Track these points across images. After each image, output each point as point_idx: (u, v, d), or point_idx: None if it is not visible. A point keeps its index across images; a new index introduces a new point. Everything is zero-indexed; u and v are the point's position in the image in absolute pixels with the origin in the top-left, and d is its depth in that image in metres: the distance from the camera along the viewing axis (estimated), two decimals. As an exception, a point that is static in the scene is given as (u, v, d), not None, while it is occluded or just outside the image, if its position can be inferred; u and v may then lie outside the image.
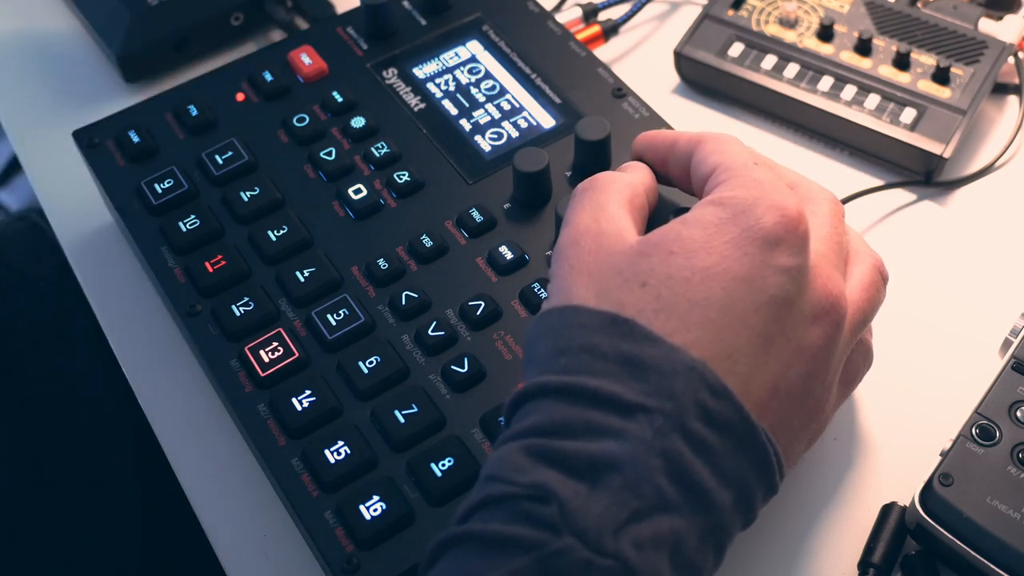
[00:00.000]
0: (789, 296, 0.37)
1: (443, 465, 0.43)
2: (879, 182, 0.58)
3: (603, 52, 0.65)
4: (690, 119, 0.62)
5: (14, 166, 1.31)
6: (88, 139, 0.54)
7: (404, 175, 0.52)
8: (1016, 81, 0.62)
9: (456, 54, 0.57)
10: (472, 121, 0.54)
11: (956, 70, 0.59)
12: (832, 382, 0.40)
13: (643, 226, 0.43)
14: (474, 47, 0.58)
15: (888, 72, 0.60)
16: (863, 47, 0.60)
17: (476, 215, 0.50)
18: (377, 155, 0.53)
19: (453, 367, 0.45)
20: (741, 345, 0.36)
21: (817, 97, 0.60)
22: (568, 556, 0.32)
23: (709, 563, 0.36)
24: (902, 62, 0.60)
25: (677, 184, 0.46)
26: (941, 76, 0.59)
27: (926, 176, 0.58)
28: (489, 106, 0.55)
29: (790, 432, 0.39)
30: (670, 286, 0.37)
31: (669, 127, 0.53)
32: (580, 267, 0.39)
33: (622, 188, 0.42)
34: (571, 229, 0.40)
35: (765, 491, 0.37)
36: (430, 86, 0.56)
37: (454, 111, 0.55)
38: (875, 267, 0.43)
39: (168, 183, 0.52)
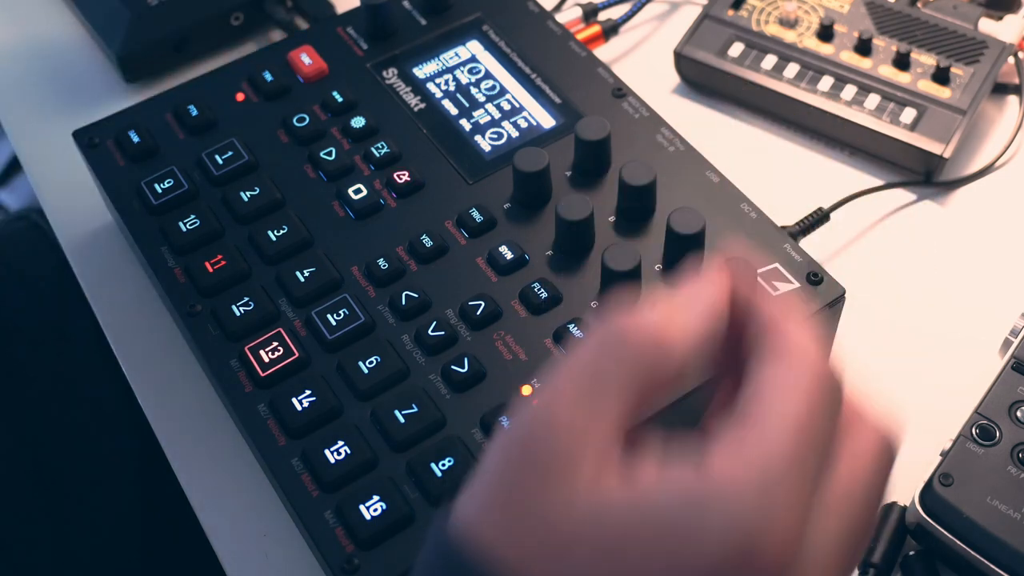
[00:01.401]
0: None
1: (443, 465, 0.43)
2: (879, 182, 0.58)
3: (603, 52, 0.65)
4: (690, 119, 0.62)
5: (14, 166, 1.31)
6: (88, 139, 0.54)
7: (404, 175, 0.52)
8: (1016, 81, 0.62)
9: (456, 54, 0.57)
10: (472, 121, 0.54)
11: (956, 70, 0.59)
12: None
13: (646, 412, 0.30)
14: (474, 47, 0.58)
15: (888, 72, 0.60)
16: (863, 47, 0.60)
17: (476, 215, 0.50)
18: (377, 155, 0.53)
19: (453, 367, 0.45)
20: None
21: (817, 97, 0.60)
22: None
23: None
24: (902, 62, 0.60)
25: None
26: (941, 76, 0.59)
27: (926, 176, 0.58)
28: (489, 106, 0.55)
29: None
30: (557, 555, 0.27)
31: (669, 127, 0.53)
32: (500, 489, 0.28)
33: (635, 370, 0.29)
34: (530, 418, 0.29)
35: None
36: (430, 86, 0.56)
37: (454, 111, 0.55)
38: None
39: (168, 183, 0.52)
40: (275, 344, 0.47)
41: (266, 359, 0.46)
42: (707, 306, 0.30)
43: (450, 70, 0.57)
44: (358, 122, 0.54)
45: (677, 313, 0.30)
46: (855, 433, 0.31)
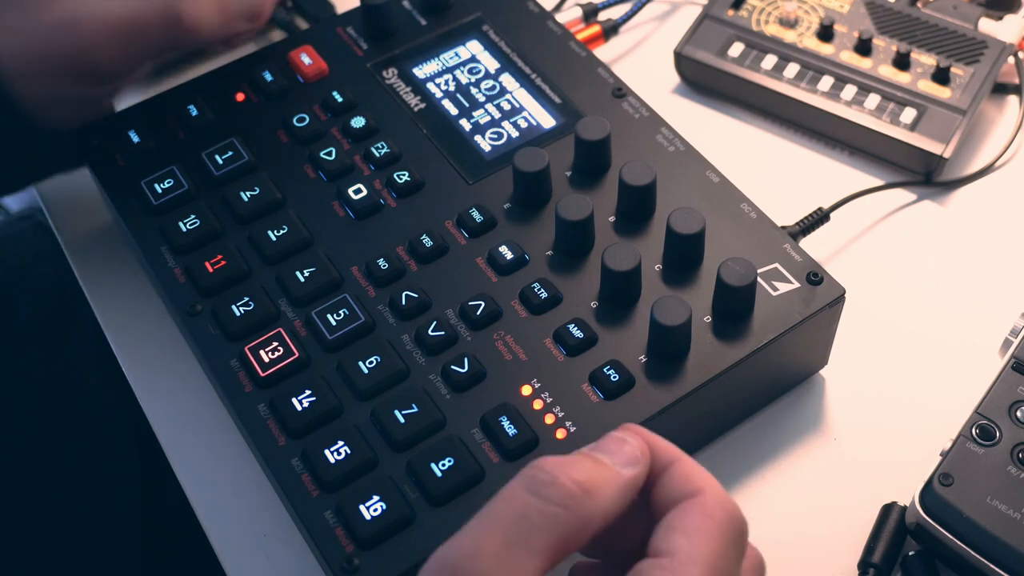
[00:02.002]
0: None
1: (443, 465, 0.43)
2: (879, 182, 0.58)
3: (603, 52, 0.65)
4: (690, 119, 0.62)
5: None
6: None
7: (404, 175, 0.52)
8: (1016, 81, 0.62)
9: (456, 54, 0.57)
10: (472, 121, 0.54)
11: (956, 70, 0.59)
12: None
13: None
14: (474, 47, 0.58)
15: (888, 72, 0.60)
16: (863, 47, 0.60)
17: (476, 215, 0.50)
18: (377, 155, 0.53)
19: (453, 367, 0.45)
20: None
21: (817, 97, 0.60)
22: None
23: None
24: (902, 62, 0.60)
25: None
26: (941, 76, 0.59)
27: (926, 176, 0.58)
28: (489, 106, 0.55)
29: None
30: None
31: (669, 127, 0.53)
32: None
33: (567, 525, 0.31)
34: (456, 556, 0.30)
35: None
36: (430, 86, 0.56)
37: (454, 111, 0.55)
38: None
39: (168, 183, 0.52)
40: (275, 344, 0.47)
41: (266, 359, 0.46)
42: (630, 458, 0.33)
43: (450, 70, 0.57)
44: (358, 122, 0.54)
45: (604, 475, 0.32)
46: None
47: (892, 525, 0.45)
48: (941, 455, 0.44)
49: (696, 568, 0.30)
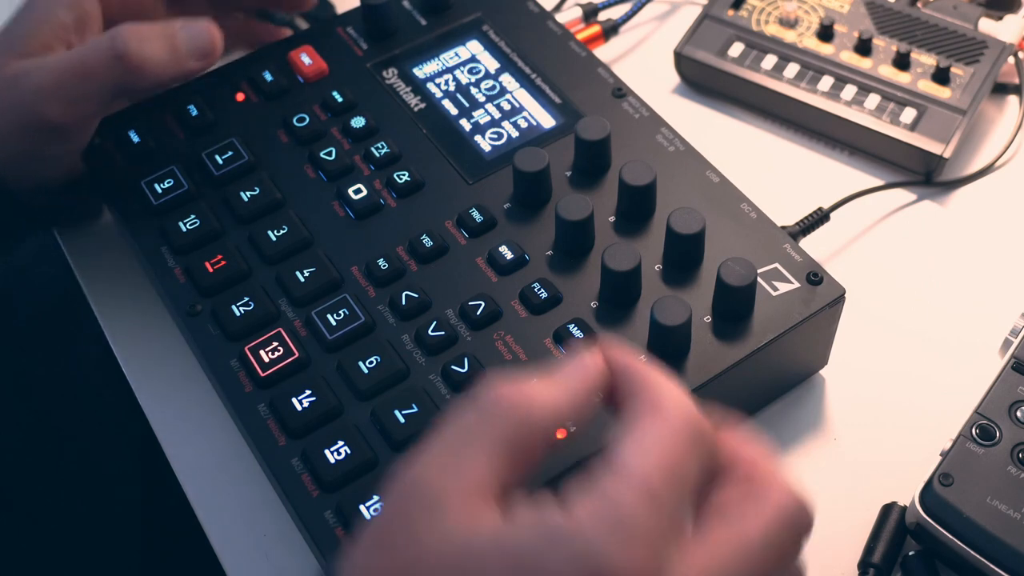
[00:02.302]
0: None
1: (443, 465, 0.42)
2: (879, 182, 0.58)
3: (603, 52, 0.65)
4: (690, 119, 0.62)
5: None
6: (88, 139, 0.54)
7: (404, 175, 0.52)
8: (1016, 81, 0.62)
9: (456, 54, 0.57)
10: (472, 121, 0.54)
11: (956, 70, 0.59)
12: None
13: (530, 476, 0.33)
14: (474, 47, 0.58)
15: (888, 72, 0.60)
16: (863, 47, 0.60)
17: (476, 215, 0.50)
18: (377, 155, 0.53)
19: (453, 367, 0.45)
20: None
21: (817, 97, 0.60)
22: None
23: None
24: (902, 62, 0.60)
25: None
26: (941, 76, 0.59)
27: (926, 176, 0.58)
28: (489, 106, 0.55)
29: None
30: None
31: (669, 127, 0.53)
32: (383, 534, 0.31)
33: (508, 432, 0.32)
34: (399, 479, 0.31)
35: None
36: (430, 86, 0.56)
37: (454, 111, 0.55)
38: None
39: (168, 183, 0.52)
40: (275, 344, 0.47)
41: (266, 359, 0.46)
42: (577, 380, 0.34)
43: (450, 70, 0.57)
44: (358, 122, 0.54)
45: (547, 385, 0.33)
46: (763, 496, 0.32)
47: (892, 525, 0.45)
48: (941, 455, 0.44)
49: (644, 470, 0.30)
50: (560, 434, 0.43)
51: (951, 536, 0.42)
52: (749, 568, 0.31)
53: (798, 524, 0.32)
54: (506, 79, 0.56)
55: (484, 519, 0.30)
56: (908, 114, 0.58)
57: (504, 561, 0.29)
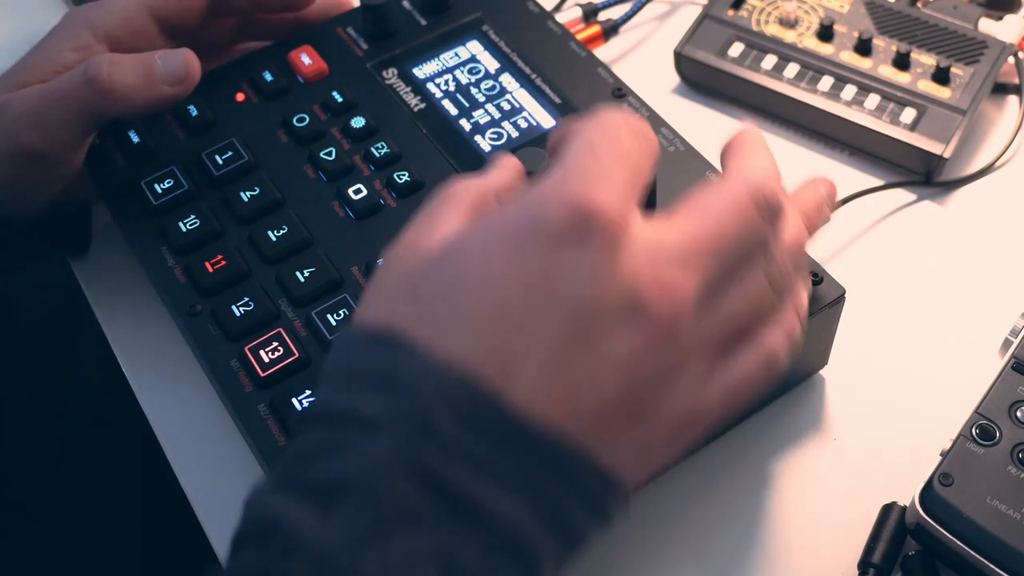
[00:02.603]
0: (585, 302, 0.33)
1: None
2: (879, 182, 0.58)
3: (603, 52, 0.65)
4: (690, 119, 0.62)
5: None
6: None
7: (404, 175, 0.52)
8: (1016, 81, 0.62)
9: (456, 54, 0.57)
10: (472, 121, 0.54)
11: (956, 70, 0.59)
12: (683, 391, 0.35)
13: None
14: (474, 47, 0.58)
15: (888, 72, 0.60)
16: (863, 47, 0.60)
17: (476, 215, 0.50)
18: (377, 155, 0.53)
19: (453, 367, 0.45)
20: (521, 353, 0.33)
21: (817, 97, 0.60)
22: None
23: None
24: (902, 62, 0.60)
25: None
26: (941, 76, 0.59)
27: (926, 176, 0.58)
28: (489, 106, 0.55)
29: (620, 441, 0.34)
30: (443, 295, 0.34)
31: (669, 127, 0.53)
32: (379, 282, 0.36)
33: (468, 196, 0.37)
34: (398, 242, 0.37)
35: (582, 501, 0.33)
36: (430, 86, 0.56)
37: (454, 111, 0.55)
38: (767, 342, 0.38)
39: (168, 183, 0.52)
40: (275, 344, 0.47)
41: (266, 359, 0.46)
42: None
43: (450, 70, 0.57)
44: (358, 122, 0.54)
45: (494, 171, 0.40)
46: (724, 179, 0.37)
47: (892, 525, 0.45)
48: (941, 455, 0.44)
49: (583, 134, 0.35)
50: None
51: (951, 536, 0.42)
52: (709, 233, 0.35)
53: (756, 192, 0.36)
54: (506, 79, 0.56)
55: (453, 223, 0.36)
56: (908, 114, 0.58)
57: (508, 215, 0.34)
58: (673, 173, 0.51)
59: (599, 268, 0.33)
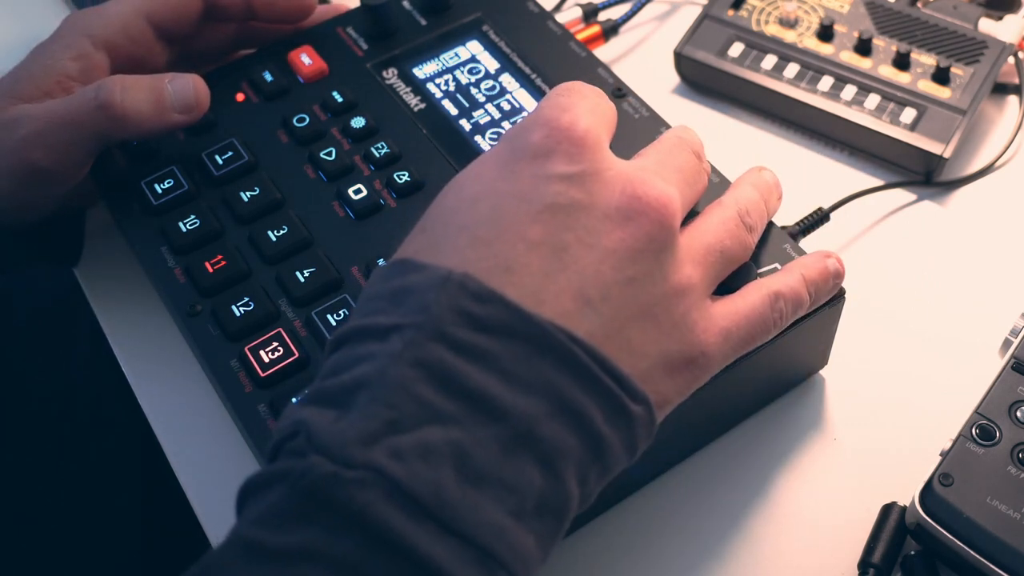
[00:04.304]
0: (573, 202, 0.37)
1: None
2: (879, 182, 0.58)
3: (603, 52, 0.65)
4: (690, 119, 0.62)
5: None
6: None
7: (404, 175, 0.52)
8: (1016, 81, 0.62)
9: (456, 54, 0.57)
10: (472, 121, 0.54)
11: (956, 70, 0.59)
12: (680, 290, 0.38)
13: None
14: (474, 47, 0.58)
15: (888, 72, 0.60)
16: (863, 47, 0.60)
17: (476, 215, 0.50)
18: (377, 155, 0.53)
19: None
20: (519, 256, 0.36)
21: (817, 97, 0.60)
22: (313, 474, 0.31)
23: (538, 481, 0.33)
24: (902, 62, 0.60)
25: None
26: (941, 76, 0.59)
27: (926, 176, 0.58)
28: (489, 106, 0.55)
29: (630, 345, 0.36)
30: (442, 220, 0.38)
31: (669, 127, 0.53)
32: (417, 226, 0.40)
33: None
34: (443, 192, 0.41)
35: (600, 400, 0.34)
36: (430, 86, 0.56)
37: (454, 111, 0.55)
38: (735, 210, 0.44)
39: (168, 183, 0.52)
40: (275, 344, 0.47)
41: (266, 359, 0.46)
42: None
43: (450, 70, 0.57)
44: (358, 122, 0.54)
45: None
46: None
47: (892, 525, 0.45)
48: (941, 455, 0.44)
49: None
50: None
51: (951, 536, 0.42)
52: (664, 159, 0.42)
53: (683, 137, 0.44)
54: (506, 79, 0.56)
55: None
56: (908, 114, 0.58)
57: (494, 149, 0.39)
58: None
59: (583, 174, 0.37)
